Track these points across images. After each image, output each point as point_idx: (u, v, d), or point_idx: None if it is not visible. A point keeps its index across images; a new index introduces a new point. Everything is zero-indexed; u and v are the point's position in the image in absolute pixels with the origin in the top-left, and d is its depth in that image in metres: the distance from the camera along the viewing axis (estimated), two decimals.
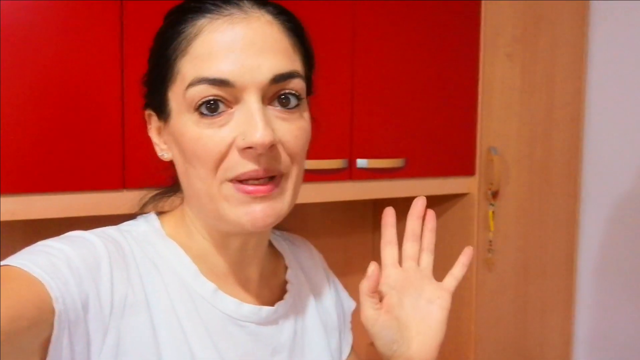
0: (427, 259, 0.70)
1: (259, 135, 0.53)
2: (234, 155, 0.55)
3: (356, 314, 0.84)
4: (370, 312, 0.65)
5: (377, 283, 0.64)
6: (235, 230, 0.59)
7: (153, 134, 0.64)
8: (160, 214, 0.68)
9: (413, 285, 0.68)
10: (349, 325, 0.82)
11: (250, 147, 0.54)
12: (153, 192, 0.71)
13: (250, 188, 0.55)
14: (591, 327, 1.69)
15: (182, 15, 0.57)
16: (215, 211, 0.57)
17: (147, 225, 0.64)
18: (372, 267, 0.64)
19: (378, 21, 1.25)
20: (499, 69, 1.46)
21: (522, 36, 1.50)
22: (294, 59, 0.58)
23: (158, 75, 0.59)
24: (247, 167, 0.55)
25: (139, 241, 0.61)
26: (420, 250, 0.70)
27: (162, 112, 0.60)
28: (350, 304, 0.83)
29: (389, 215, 0.71)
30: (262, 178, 0.56)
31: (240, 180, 0.56)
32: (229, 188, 0.56)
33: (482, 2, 1.40)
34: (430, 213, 0.72)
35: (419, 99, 1.33)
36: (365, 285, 0.64)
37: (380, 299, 0.66)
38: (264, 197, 0.56)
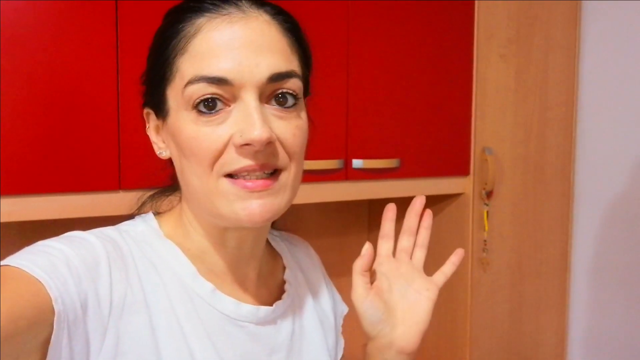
0: (420, 255, 0.73)
1: (257, 132, 0.53)
2: (231, 152, 0.55)
3: (351, 318, 0.84)
4: (360, 290, 0.67)
5: (370, 262, 0.68)
6: (233, 225, 0.60)
7: (151, 132, 0.64)
8: (157, 213, 0.68)
9: (403, 276, 0.71)
10: (340, 329, 0.82)
11: (248, 144, 0.54)
12: (151, 192, 0.72)
13: (248, 184, 0.56)
14: (585, 326, 1.70)
15: (181, 14, 0.58)
16: (212, 207, 0.58)
17: (145, 226, 0.64)
18: (366, 246, 0.67)
19: (373, 22, 1.26)
20: (493, 70, 1.47)
21: (516, 37, 1.50)
22: (291, 59, 0.59)
23: (157, 74, 0.59)
24: (244, 162, 0.55)
25: (137, 241, 0.62)
26: (414, 245, 0.73)
27: (161, 110, 0.60)
28: (343, 309, 0.84)
29: (389, 211, 0.74)
30: (258, 171, 0.56)
31: (237, 175, 0.56)
32: (226, 183, 0.56)
33: (476, 3, 1.41)
34: (428, 212, 0.75)
35: (414, 100, 1.33)
36: (358, 263, 0.67)
37: (372, 282, 0.69)
38: (262, 193, 0.56)
